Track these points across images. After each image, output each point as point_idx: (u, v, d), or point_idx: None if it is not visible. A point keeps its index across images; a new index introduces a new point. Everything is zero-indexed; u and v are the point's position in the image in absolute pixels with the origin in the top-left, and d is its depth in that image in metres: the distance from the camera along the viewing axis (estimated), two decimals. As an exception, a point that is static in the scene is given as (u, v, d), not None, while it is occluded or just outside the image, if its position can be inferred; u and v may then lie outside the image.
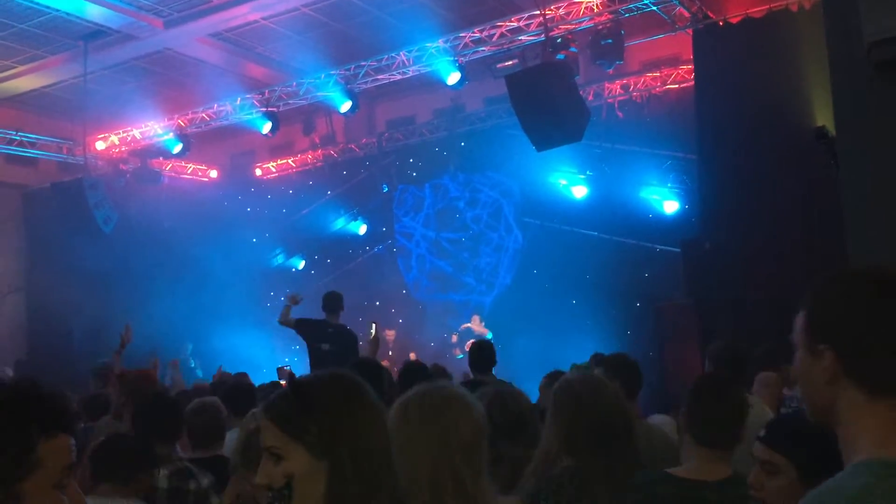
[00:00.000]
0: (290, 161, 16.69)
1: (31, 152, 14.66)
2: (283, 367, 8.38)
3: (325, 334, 7.53)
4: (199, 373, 12.90)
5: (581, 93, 10.61)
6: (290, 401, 1.63)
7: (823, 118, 7.12)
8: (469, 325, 13.62)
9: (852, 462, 1.41)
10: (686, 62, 11.88)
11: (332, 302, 7.70)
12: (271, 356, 12.52)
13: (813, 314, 1.50)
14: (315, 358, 7.45)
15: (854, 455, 1.42)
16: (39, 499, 1.38)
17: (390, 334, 13.78)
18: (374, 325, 7.31)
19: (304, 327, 7.67)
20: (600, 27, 10.47)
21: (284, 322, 7.71)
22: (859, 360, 1.43)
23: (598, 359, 5.18)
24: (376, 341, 7.18)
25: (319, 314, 7.75)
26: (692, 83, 10.99)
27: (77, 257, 13.28)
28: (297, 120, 14.93)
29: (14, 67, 13.75)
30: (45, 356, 13.44)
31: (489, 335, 13.11)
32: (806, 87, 8.23)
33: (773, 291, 8.05)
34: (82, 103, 13.10)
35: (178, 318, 13.77)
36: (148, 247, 14.47)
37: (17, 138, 14.20)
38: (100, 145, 15.08)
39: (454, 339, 13.71)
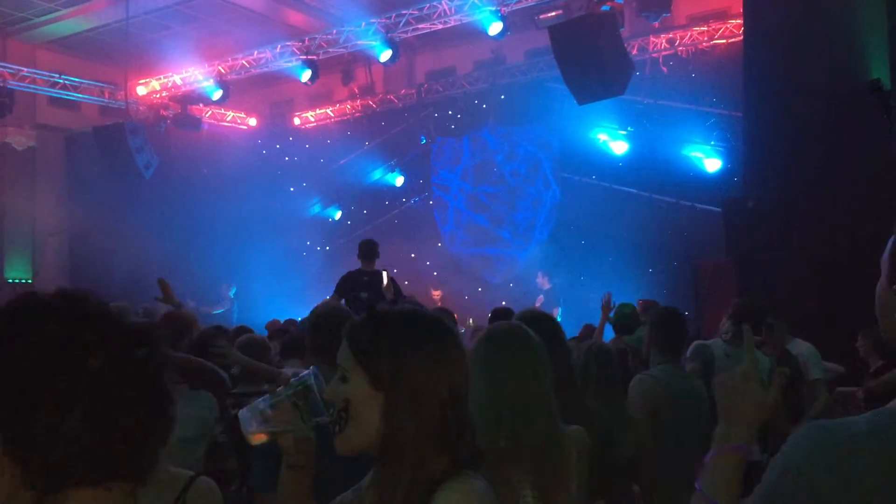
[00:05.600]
0: (328, 111, 16.66)
1: (74, 95, 14.79)
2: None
3: (361, 283, 7.58)
4: (235, 317, 13.06)
5: (625, 46, 10.39)
6: (365, 325, 1.57)
7: (879, 71, 6.88)
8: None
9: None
10: (735, 16, 11.57)
11: (367, 249, 7.74)
12: (306, 304, 12.62)
13: None
14: (353, 308, 7.47)
15: None
16: None
17: (437, 294, 13.74)
18: (384, 274, 7.45)
19: (342, 286, 7.69)
20: (648, -22, 10.24)
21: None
22: None
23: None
24: (389, 289, 7.29)
25: (357, 264, 7.81)
26: (740, 39, 10.68)
27: (117, 201, 13.45)
28: (337, 69, 14.84)
29: (57, 11, 13.82)
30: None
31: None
32: (861, 39, 7.92)
33: (815, 251, 7.88)
34: (124, 48, 13.13)
35: (214, 263, 13.93)
36: (187, 192, 14.60)
37: (61, 81, 14.32)
38: (141, 90, 15.16)
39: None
